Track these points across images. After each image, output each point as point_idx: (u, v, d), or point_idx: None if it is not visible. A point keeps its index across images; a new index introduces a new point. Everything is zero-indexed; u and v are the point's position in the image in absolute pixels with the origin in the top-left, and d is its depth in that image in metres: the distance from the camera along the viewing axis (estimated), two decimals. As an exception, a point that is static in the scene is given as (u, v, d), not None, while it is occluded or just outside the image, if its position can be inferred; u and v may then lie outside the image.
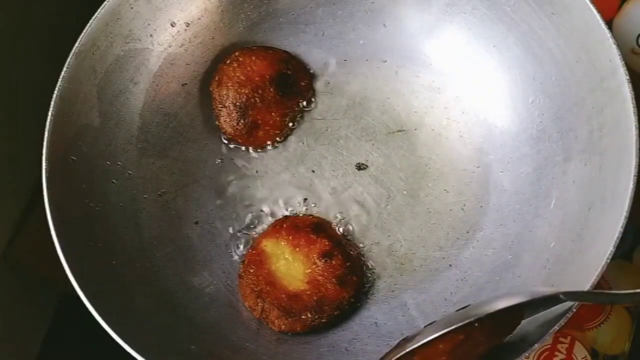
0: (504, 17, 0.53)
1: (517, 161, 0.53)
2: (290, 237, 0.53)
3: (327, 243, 0.53)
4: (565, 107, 0.50)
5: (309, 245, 0.53)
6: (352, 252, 0.54)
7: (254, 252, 0.54)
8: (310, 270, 0.52)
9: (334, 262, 0.52)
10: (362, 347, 0.50)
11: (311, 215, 0.56)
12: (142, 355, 0.46)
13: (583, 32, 0.49)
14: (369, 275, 0.54)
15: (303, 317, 0.51)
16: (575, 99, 0.50)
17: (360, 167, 0.57)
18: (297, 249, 0.53)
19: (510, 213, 0.52)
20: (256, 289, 0.52)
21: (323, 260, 0.52)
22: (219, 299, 0.53)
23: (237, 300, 0.53)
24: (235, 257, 0.55)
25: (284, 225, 0.54)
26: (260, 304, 0.52)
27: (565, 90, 0.50)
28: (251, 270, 0.53)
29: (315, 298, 0.51)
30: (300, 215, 0.56)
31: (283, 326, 0.51)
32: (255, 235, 0.56)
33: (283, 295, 0.51)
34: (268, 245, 0.53)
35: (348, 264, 0.52)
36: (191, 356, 0.49)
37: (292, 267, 0.52)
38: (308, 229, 0.53)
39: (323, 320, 0.51)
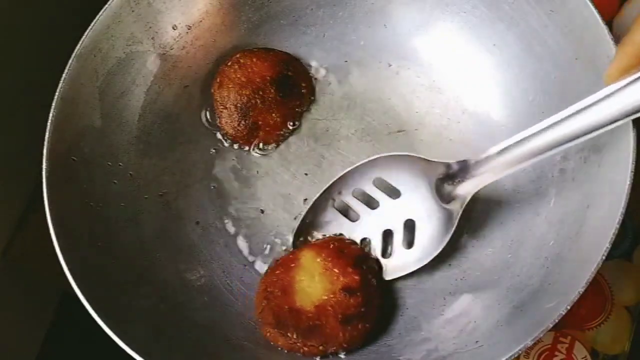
0: (504, 15, 0.53)
1: (517, 160, 0.53)
2: (330, 259, 0.51)
3: (357, 279, 0.50)
4: (565, 104, 0.50)
5: (340, 275, 0.50)
6: (375, 301, 0.51)
7: (290, 256, 0.53)
8: (326, 297, 0.50)
9: (351, 300, 0.49)
10: (360, 347, 0.50)
11: (360, 246, 0.53)
12: (141, 355, 0.46)
13: (581, 29, 0.48)
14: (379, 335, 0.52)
15: (289, 334, 0.49)
16: (575, 97, 0.49)
17: None
18: (328, 272, 0.51)
19: (510, 212, 0.52)
20: (269, 289, 0.51)
21: (342, 294, 0.50)
22: (219, 299, 0.53)
23: (236, 300, 0.53)
24: (235, 257, 0.55)
25: (331, 246, 0.52)
26: (263, 304, 0.51)
27: (565, 87, 0.50)
28: (277, 272, 0.52)
29: (310, 323, 0.49)
30: (358, 240, 0.54)
31: (268, 334, 0.50)
32: (256, 235, 0.56)
33: (286, 306, 0.50)
34: (306, 256, 0.52)
35: (363, 309, 0.50)
36: (190, 355, 0.49)
37: (312, 286, 0.50)
38: (350, 259, 0.51)
39: (305, 348, 0.49)
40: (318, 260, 0.51)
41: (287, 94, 0.57)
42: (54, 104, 0.52)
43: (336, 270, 0.51)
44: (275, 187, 0.57)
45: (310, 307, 0.50)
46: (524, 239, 0.51)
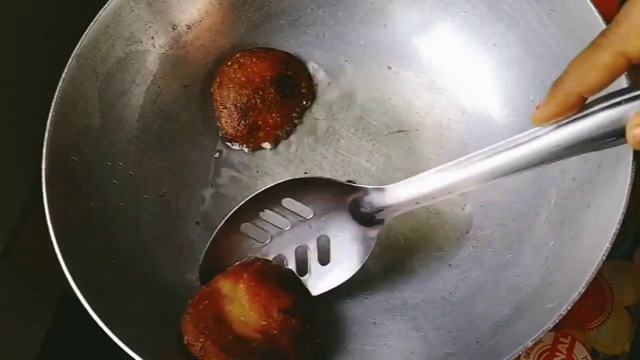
0: (504, 15, 0.53)
1: (517, 160, 0.53)
2: (253, 284, 0.48)
3: (290, 300, 0.48)
4: (565, 105, 0.50)
5: (270, 298, 0.48)
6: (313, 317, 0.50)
7: (207, 289, 0.50)
8: (265, 323, 0.47)
9: (293, 321, 0.47)
10: (360, 348, 0.50)
11: (280, 266, 0.52)
12: (140, 356, 0.46)
13: (582, 28, 0.48)
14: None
15: None
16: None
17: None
18: (257, 298, 0.48)
19: (510, 212, 0.52)
20: (200, 325, 0.47)
21: (282, 315, 0.47)
22: (218, 299, 0.53)
23: (235, 300, 0.53)
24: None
25: (248, 269, 0.50)
26: (201, 340, 0.47)
27: (565, 88, 0.50)
28: (200, 307, 0.48)
29: (264, 348, 0.46)
30: (271, 259, 0.52)
31: None
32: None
33: (230, 336, 0.47)
34: (225, 286, 0.49)
35: (308, 327, 0.48)
36: (190, 356, 0.49)
37: (246, 314, 0.48)
38: (274, 280, 0.49)
39: None
40: (241, 287, 0.49)
41: (287, 93, 0.57)
42: (53, 103, 0.52)
43: (264, 293, 0.48)
44: (275, 187, 0.57)
45: (254, 335, 0.47)
46: (524, 239, 0.51)
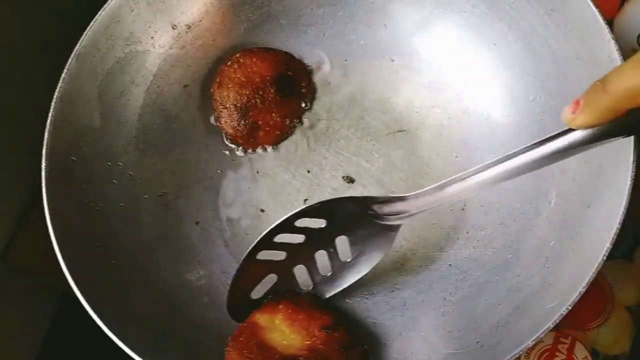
0: (504, 15, 0.53)
1: (518, 160, 0.53)
2: (289, 311, 0.49)
3: (329, 318, 0.49)
4: (566, 104, 0.50)
5: (309, 320, 0.49)
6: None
7: (244, 324, 0.49)
8: (310, 342, 0.48)
9: (336, 334, 0.48)
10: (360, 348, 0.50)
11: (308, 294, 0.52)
12: (140, 356, 0.46)
13: (582, 28, 0.48)
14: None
15: None
16: (576, 96, 0.49)
17: (347, 180, 0.57)
18: (296, 323, 0.49)
19: (511, 212, 0.52)
20: (245, 351, 0.47)
21: (324, 332, 0.48)
22: (218, 300, 0.53)
23: (236, 300, 0.53)
24: (235, 258, 0.55)
25: (282, 300, 0.50)
26: None
27: (565, 87, 0.50)
28: (241, 339, 0.48)
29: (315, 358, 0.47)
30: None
31: None
32: (256, 235, 0.55)
33: (276, 356, 0.47)
34: (262, 318, 0.49)
35: (352, 336, 0.49)
36: (189, 356, 0.49)
37: (289, 338, 0.48)
38: (309, 304, 0.50)
39: None
40: (278, 317, 0.49)
41: (287, 93, 0.57)
42: (53, 103, 0.52)
43: (302, 317, 0.49)
44: (275, 187, 0.57)
45: (301, 352, 0.47)
46: (524, 239, 0.51)
